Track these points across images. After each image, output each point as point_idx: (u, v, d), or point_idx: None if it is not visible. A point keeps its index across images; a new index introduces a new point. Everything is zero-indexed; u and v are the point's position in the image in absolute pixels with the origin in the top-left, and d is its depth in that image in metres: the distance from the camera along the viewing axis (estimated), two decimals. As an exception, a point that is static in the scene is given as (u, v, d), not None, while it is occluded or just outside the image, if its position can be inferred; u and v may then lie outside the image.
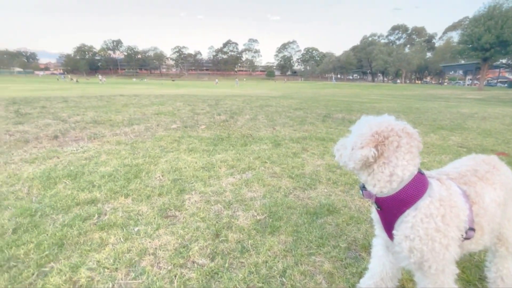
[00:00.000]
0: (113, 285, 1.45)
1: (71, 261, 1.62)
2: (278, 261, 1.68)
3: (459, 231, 1.08)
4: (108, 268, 1.57)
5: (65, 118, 6.30)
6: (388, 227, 1.17)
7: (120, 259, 1.65)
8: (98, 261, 1.63)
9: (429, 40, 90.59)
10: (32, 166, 3.21)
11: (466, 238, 1.11)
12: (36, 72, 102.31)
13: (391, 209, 1.12)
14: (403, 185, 1.08)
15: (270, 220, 2.15)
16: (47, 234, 1.87)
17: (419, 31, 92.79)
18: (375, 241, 1.40)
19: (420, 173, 1.12)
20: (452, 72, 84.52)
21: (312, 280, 1.55)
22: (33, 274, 1.51)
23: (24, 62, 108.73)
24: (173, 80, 60.28)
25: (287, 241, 1.89)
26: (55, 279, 1.47)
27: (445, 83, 78.62)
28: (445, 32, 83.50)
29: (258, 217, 2.20)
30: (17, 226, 1.96)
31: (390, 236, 1.17)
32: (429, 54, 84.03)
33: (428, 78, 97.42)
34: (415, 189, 1.08)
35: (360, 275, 1.60)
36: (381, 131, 1.09)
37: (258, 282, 1.51)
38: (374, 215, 1.28)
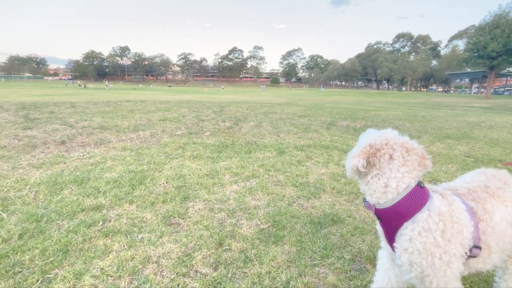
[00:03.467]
0: (116, 294, 1.45)
1: (75, 268, 1.63)
2: (282, 272, 1.66)
3: (462, 248, 1.06)
4: (111, 276, 1.58)
5: (72, 123, 6.39)
6: (390, 239, 1.17)
7: (123, 267, 1.65)
8: (102, 269, 1.63)
9: (434, 48, 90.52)
10: (39, 171, 3.25)
11: (471, 256, 1.09)
12: (45, 77, 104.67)
13: (390, 221, 1.13)
14: (400, 197, 1.09)
15: (274, 230, 2.13)
16: (52, 240, 1.89)
17: (424, 39, 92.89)
18: (381, 253, 1.39)
19: (419, 186, 1.12)
20: (458, 80, 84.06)
21: (316, 292, 1.53)
22: (37, 281, 1.52)
23: (34, 68, 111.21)
24: (169, 86, 62.00)
25: (290, 251, 1.88)
26: (59, 286, 1.48)
27: (451, 91, 78.09)
28: (450, 40, 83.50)
29: (261, 226, 2.19)
30: (23, 232, 1.98)
31: (393, 248, 1.17)
32: (434, 62, 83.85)
33: (434, 86, 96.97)
34: (411, 202, 1.08)
35: (365, 287, 1.57)
36: (374, 144, 1.13)
37: (261, 293, 1.50)
38: (378, 227, 1.27)
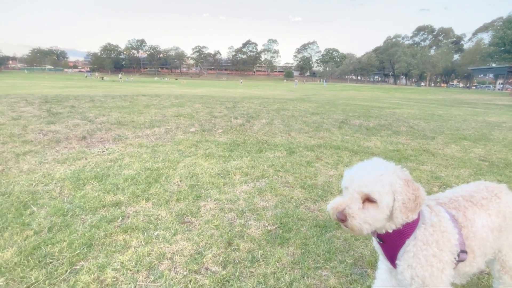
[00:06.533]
0: (135, 286, 1.61)
1: (98, 261, 1.80)
2: (286, 273, 1.77)
3: (452, 255, 1.14)
4: (130, 270, 1.74)
5: (92, 118, 6.70)
6: (392, 258, 1.22)
7: (141, 262, 1.81)
8: (122, 263, 1.80)
9: (457, 41, 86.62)
10: (63, 166, 3.49)
11: (460, 261, 1.17)
12: (65, 69, 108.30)
13: (394, 241, 1.18)
14: None
15: (281, 231, 2.24)
16: (78, 234, 2.08)
17: (446, 32, 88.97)
18: (380, 264, 1.45)
19: None
20: (482, 75, 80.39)
21: (317, 293, 1.63)
22: (66, 271, 1.70)
23: (55, 60, 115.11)
24: (176, 79, 63.95)
25: (295, 253, 1.98)
26: (85, 277, 1.65)
27: (473, 87, 74.74)
28: (475, 34, 79.48)
29: (269, 228, 2.30)
30: (52, 225, 2.18)
31: (394, 265, 1.22)
32: (456, 56, 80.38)
33: (455, 82, 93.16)
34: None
35: (365, 292, 1.66)
36: None
37: (265, 292, 1.61)
38: (376, 244, 1.33)
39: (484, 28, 74.90)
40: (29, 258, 1.79)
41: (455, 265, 1.16)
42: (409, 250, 1.13)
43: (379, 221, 1.09)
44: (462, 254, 1.15)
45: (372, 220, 1.07)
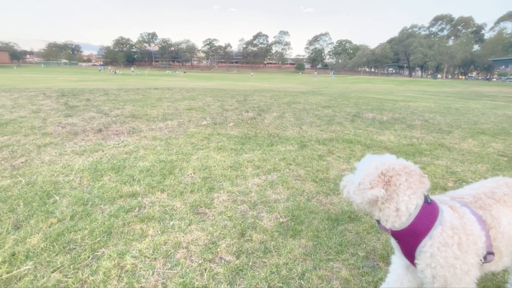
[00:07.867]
0: (153, 273, 1.69)
1: (118, 248, 1.89)
2: (298, 264, 1.81)
3: (477, 257, 1.12)
4: (148, 258, 1.82)
5: (107, 111, 6.86)
6: (409, 256, 1.22)
7: (158, 250, 1.89)
8: (140, 250, 1.88)
9: (477, 31, 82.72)
10: (81, 158, 3.62)
11: (486, 262, 1.15)
12: (80, 63, 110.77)
13: (408, 240, 1.18)
14: (413, 218, 1.15)
15: (292, 224, 2.27)
16: (98, 223, 2.17)
17: (466, 21, 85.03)
18: (394, 259, 1.45)
19: (427, 202, 1.17)
20: (503, 67, 76.86)
21: (329, 285, 1.66)
22: (88, 257, 1.80)
23: (69, 54, 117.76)
24: (184, 72, 65.47)
25: (307, 245, 2.01)
26: (106, 263, 1.74)
27: (494, 79, 71.59)
28: (497, 23, 75.55)
29: (281, 220, 2.33)
30: (74, 214, 2.29)
31: (413, 263, 1.22)
32: (476, 47, 76.96)
33: (474, 73, 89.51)
34: (424, 220, 1.14)
35: (376, 284, 1.68)
36: (386, 172, 1.16)
37: (278, 282, 1.66)
38: (393, 242, 1.32)
39: (507, 17, 71.12)
40: (54, 244, 1.90)
41: (481, 265, 1.15)
42: (425, 251, 1.13)
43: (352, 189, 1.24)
44: (489, 256, 1.14)
45: (347, 183, 1.28)
